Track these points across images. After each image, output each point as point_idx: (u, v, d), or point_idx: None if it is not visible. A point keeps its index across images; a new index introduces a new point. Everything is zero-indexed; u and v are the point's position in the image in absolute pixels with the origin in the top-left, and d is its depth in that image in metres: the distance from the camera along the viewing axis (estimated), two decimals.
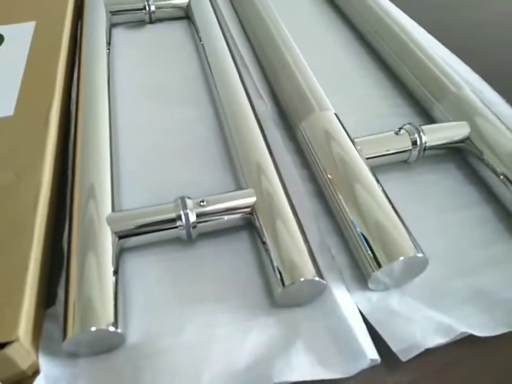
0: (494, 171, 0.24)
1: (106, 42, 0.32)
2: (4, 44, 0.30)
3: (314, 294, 0.21)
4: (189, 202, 0.22)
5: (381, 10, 0.35)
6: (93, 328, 0.18)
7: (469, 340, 0.20)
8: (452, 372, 0.19)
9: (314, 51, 0.32)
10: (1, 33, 0.31)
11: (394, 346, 0.19)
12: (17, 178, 0.22)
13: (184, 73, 0.33)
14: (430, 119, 0.29)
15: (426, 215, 0.24)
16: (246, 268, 0.22)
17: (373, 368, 0.19)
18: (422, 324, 0.20)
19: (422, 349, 0.19)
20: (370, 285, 0.21)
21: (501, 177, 0.24)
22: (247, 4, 0.36)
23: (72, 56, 0.32)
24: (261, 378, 0.18)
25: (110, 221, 0.22)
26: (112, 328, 0.18)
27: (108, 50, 0.31)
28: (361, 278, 0.22)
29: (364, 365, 0.19)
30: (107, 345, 0.19)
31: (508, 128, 0.26)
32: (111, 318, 0.19)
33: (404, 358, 0.19)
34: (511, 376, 0.19)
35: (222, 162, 0.27)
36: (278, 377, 0.18)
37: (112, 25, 0.36)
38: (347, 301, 0.21)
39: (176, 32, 0.37)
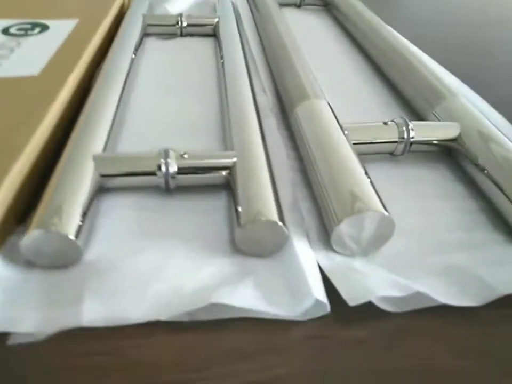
0: (481, 169, 0.24)
1: (136, 44, 0.36)
2: (48, 31, 0.34)
3: (275, 245, 0.20)
4: (171, 153, 0.23)
5: (386, 32, 0.38)
6: (54, 229, 0.19)
7: (426, 312, 0.19)
8: (403, 337, 0.18)
9: (322, 64, 0.35)
10: (48, 24, 0.35)
11: (345, 294, 0.18)
12: (26, 118, 0.24)
13: (201, 73, 0.36)
14: None
15: (407, 198, 0.24)
16: (217, 222, 0.22)
17: (323, 321, 0.18)
18: (380, 281, 0.19)
19: (372, 297, 0.18)
20: (333, 244, 0.20)
21: (486, 173, 0.24)
22: (268, 22, 0.40)
23: (102, 48, 0.36)
24: (201, 299, 0.18)
25: (95, 158, 0.23)
26: (72, 237, 0.19)
27: (134, 53, 0.35)
28: (327, 241, 0.21)
29: (309, 303, 0.18)
30: (64, 258, 0.19)
31: (499, 130, 0.26)
32: (74, 229, 0.19)
33: (352, 303, 0.18)
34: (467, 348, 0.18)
35: (218, 135, 0.28)
36: (216, 299, 0.17)
37: (145, 34, 0.41)
38: (307, 255, 0.20)
39: (202, 44, 0.41)
